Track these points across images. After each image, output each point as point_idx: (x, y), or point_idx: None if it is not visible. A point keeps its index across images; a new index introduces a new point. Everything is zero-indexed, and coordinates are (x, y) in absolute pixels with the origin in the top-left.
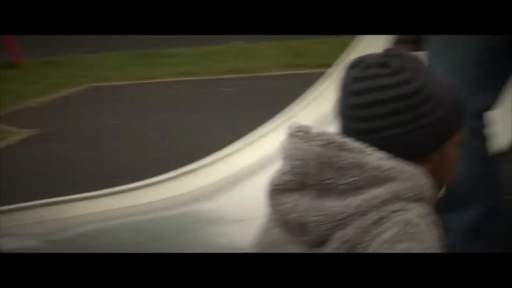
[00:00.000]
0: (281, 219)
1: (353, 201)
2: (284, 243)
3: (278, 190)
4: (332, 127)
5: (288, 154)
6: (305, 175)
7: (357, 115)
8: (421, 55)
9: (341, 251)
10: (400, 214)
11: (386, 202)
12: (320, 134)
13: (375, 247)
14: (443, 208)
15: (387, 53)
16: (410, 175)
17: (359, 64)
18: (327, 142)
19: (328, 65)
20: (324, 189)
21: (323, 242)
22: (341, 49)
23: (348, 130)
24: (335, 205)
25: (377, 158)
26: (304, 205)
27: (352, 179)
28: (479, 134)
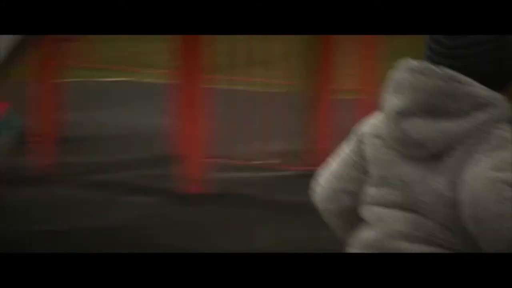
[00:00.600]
0: (399, 138)
1: (464, 122)
2: (395, 161)
3: (400, 114)
4: None
5: (410, 85)
6: (427, 104)
7: (460, 54)
8: None
9: (460, 159)
10: (499, 131)
11: (487, 122)
12: (439, 70)
13: (480, 154)
14: None
15: None
16: (502, 102)
17: None
18: (447, 78)
19: None
20: (440, 114)
21: (438, 156)
22: None
23: (450, 67)
24: (451, 125)
25: (480, 88)
26: (425, 125)
27: (462, 104)
28: None
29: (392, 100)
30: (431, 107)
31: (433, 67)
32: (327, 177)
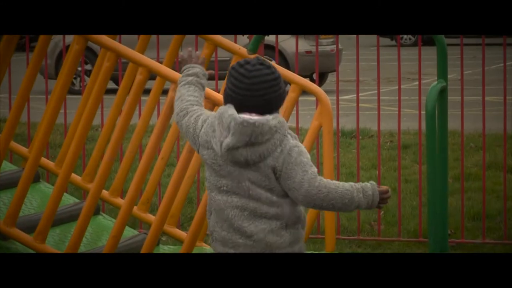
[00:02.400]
0: (230, 158)
1: (269, 144)
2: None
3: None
4: None
5: (237, 130)
6: (248, 141)
7: (253, 92)
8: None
9: (269, 163)
10: (288, 140)
11: (280, 138)
12: (253, 121)
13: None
14: None
15: (260, 59)
16: (283, 122)
17: (246, 63)
18: (257, 123)
19: None
20: (254, 143)
21: (254, 164)
22: None
23: (242, 103)
24: (261, 148)
25: (272, 120)
26: (246, 151)
27: (266, 135)
28: None
29: (224, 138)
30: (250, 142)
31: (250, 120)
32: None
